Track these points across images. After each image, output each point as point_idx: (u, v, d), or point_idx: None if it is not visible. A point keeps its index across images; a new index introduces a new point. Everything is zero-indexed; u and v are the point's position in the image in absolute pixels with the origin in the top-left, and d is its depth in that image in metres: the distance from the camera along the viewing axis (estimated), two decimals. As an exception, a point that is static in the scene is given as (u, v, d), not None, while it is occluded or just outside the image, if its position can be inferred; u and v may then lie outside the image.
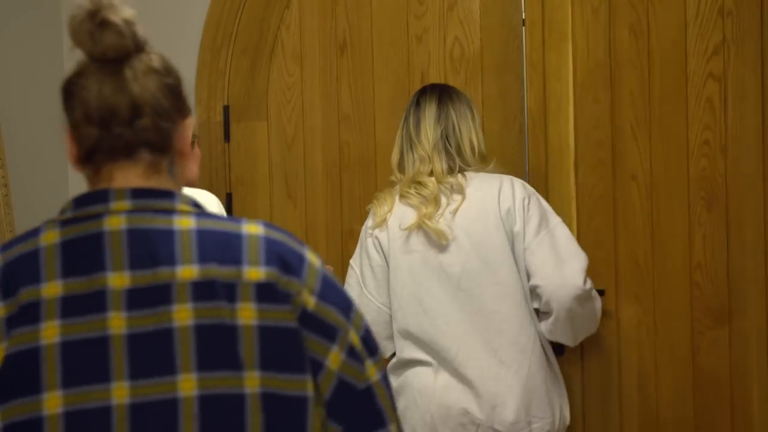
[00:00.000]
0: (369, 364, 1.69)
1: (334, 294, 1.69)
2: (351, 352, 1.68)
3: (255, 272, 1.63)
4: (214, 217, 1.70)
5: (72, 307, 1.59)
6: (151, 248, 1.61)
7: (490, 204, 3.31)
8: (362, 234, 3.46)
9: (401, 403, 3.34)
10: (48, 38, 4.28)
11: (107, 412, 1.56)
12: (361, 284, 3.42)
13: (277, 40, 4.25)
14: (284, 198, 4.27)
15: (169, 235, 1.62)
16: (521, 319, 3.27)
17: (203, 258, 1.61)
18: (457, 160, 3.38)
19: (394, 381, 3.34)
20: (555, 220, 3.34)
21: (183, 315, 1.59)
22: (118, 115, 1.65)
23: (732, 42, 3.72)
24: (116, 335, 1.58)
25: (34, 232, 1.65)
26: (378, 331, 3.36)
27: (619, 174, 3.81)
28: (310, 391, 1.63)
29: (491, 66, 3.99)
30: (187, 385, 1.58)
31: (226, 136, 4.29)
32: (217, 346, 1.60)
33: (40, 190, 4.22)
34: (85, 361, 1.57)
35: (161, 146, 1.68)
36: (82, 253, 1.61)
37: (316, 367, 1.65)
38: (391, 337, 3.41)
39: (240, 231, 1.67)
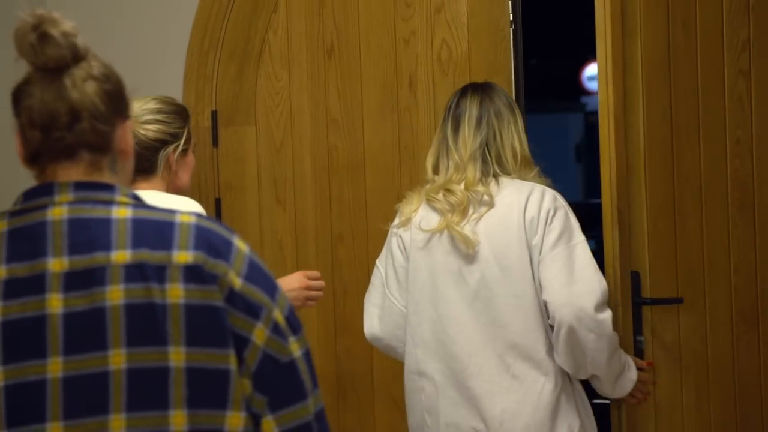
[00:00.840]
0: (292, 340, 1.84)
1: (259, 276, 1.84)
2: (275, 328, 1.82)
3: (184, 256, 1.79)
4: (151, 207, 1.85)
5: (14, 289, 1.75)
6: (89, 235, 1.77)
7: (516, 213, 3.17)
8: (389, 233, 3.35)
9: (411, 421, 3.27)
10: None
11: (43, 385, 1.72)
12: (384, 285, 3.31)
13: (265, 44, 4.25)
14: (273, 202, 4.28)
15: (106, 223, 1.78)
16: (537, 334, 3.13)
17: (136, 244, 1.77)
18: (495, 168, 3.23)
19: (413, 399, 3.26)
20: (578, 238, 3.14)
21: (115, 295, 1.74)
22: (58, 120, 1.80)
23: (755, 38, 3.65)
24: (53, 314, 1.74)
25: None
26: (399, 335, 3.29)
27: (677, 175, 3.63)
28: (232, 364, 1.78)
29: (479, 68, 3.97)
30: (117, 359, 1.73)
31: (215, 141, 4.30)
32: (145, 324, 1.75)
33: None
34: (24, 339, 1.74)
35: (100, 147, 1.83)
36: (26, 241, 1.78)
37: (243, 343, 1.79)
38: None
39: (173, 219, 1.82)
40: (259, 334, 1.80)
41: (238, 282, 1.80)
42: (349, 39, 4.18)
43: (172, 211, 1.85)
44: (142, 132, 2.94)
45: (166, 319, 1.76)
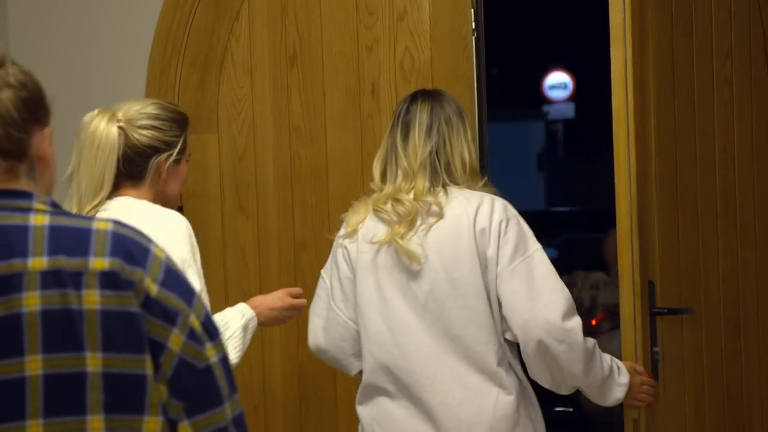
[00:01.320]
0: (209, 346, 1.84)
1: (176, 283, 1.84)
2: (191, 334, 1.83)
3: (100, 262, 1.79)
4: (69, 215, 1.88)
5: None
6: (7, 242, 1.78)
7: (466, 224, 3.09)
8: (334, 243, 3.28)
9: None
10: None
11: None
12: (329, 296, 3.23)
13: (227, 52, 4.25)
14: (236, 210, 4.28)
15: (24, 230, 1.79)
16: (489, 346, 3.06)
17: (53, 251, 1.77)
18: (444, 177, 3.15)
19: (364, 410, 3.21)
20: (534, 246, 3.07)
21: (32, 301, 1.75)
22: None
23: (736, 45, 3.67)
24: None
25: None
26: (344, 347, 3.23)
27: (680, 183, 3.62)
28: (148, 370, 1.79)
29: (442, 76, 3.97)
30: (33, 365, 1.74)
31: None
32: (62, 329, 1.76)
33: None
34: None
35: (16, 154, 1.83)
36: None
37: (159, 349, 1.80)
38: (358, 354, 3.21)
39: (90, 227, 1.83)
40: (175, 340, 1.81)
41: (154, 288, 1.81)
42: (311, 46, 4.18)
43: (89, 219, 1.86)
44: (136, 136, 2.90)
45: (82, 325, 1.77)
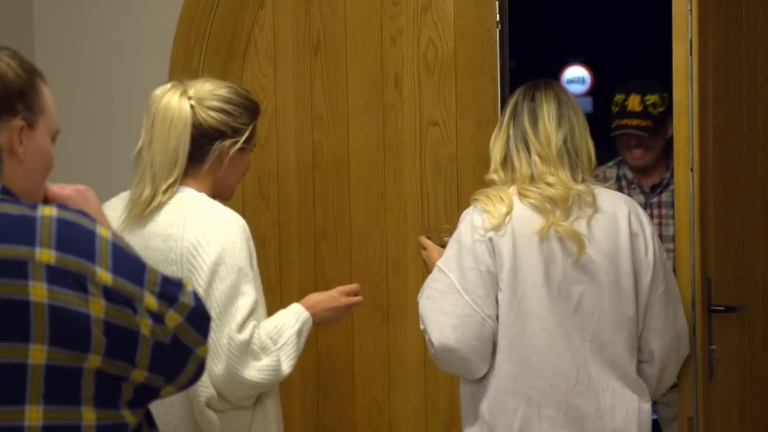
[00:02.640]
0: (169, 315, 1.91)
1: (126, 266, 1.87)
2: (153, 316, 1.89)
3: (47, 254, 1.81)
4: (14, 202, 1.88)
5: None
6: None
7: (623, 223, 2.96)
8: (467, 234, 2.94)
9: None
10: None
11: None
12: (458, 292, 2.91)
13: (251, 40, 4.24)
14: (257, 198, 4.27)
15: None
16: (631, 354, 2.97)
17: None
18: (578, 170, 3.00)
19: (499, 420, 2.94)
20: (668, 264, 3.05)
21: None
22: None
23: None
24: None
25: None
26: (476, 347, 2.91)
27: (732, 179, 3.60)
28: (89, 364, 1.82)
29: (465, 68, 3.94)
30: None
31: None
32: (7, 320, 1.78)
33: None
34: None
35: None
36: None
37: (133, 336, 1.86)
38: (488, 355, 2.94)
39: (35, 214, 1.84)
40: (145, 325, 1.87)
41: (108, 278, 1.84)
42: (335, 36, 4.16)
43: (34, 206, 1.87)
44: (204, 116, 2.79)
45: (29, 317, 1.79)
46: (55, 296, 1.80)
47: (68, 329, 1.82)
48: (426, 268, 3.18)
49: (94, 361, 1.83)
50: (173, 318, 1.92)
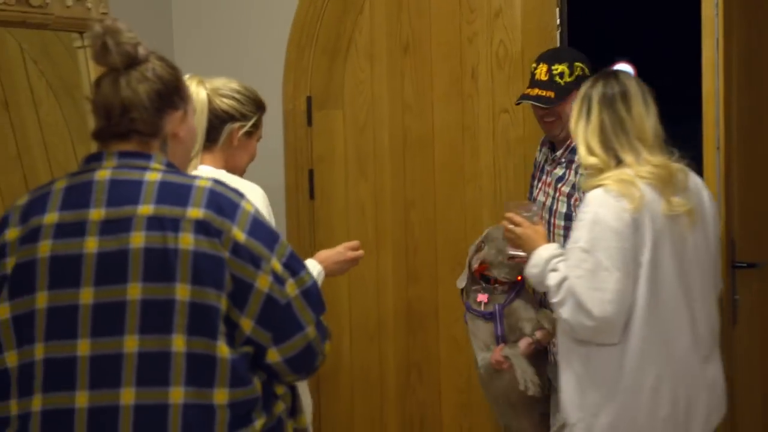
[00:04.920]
0: (290, 283, 2.00)
1: (261, 232, 1.99)
2: (275, 276, 1.98)
3: (196, 212, 1.94)
4: (178, 173, 2.03)
5: (62, 231, 1.96)
6: (123, 192, 1.97)
7: (706, 198, 2.97)
8: (609, 216, 2.82)
9: (662, 413, 2.86)
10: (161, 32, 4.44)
11: (76, 310, 1.93)
12: (608, 268, 2.80)
13: (352, 41, 4.35)
14: (357, 173, 4.38)
15: (138, 184, 1.98)
16: (717, 318, 3.00)
17: (159, 201, 1.95)
18: (665, 150, 2.95)
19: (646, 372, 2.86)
20: None
21: (137, 240, 1.93)
22: (113, 111, 2.01)
23: None
24: (89, 253, 1.93)
25: (53, 181, 2.06)
26: (623, 317, 2.83)
27: (761, 154, 3.65)
28: (223, 305, 1.94)
29: (530, 63, 3.73)
30: (134, 291, 1.91)
31: (309, 122, 4.42)
32: (159, 264, 1.92)
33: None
34: (65, 271, 1.94)
35: (149, 133, 2.03)
36: (76, 194, 1.99)
37: (246, 287, 1.95)
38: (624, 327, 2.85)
39: (192, 183, 1.99)
40: (263, 281, 1.96)
41: (242, 236, 1.95)
42: (422, 38, 4.26)
43: (193, 177, 2.01)
44: (217, 102, 2.85)
45: (176, 261, 1.91)
46: (198, 243, 1.91)
47: (207, 270, 1.92)
48: (514, 242, 3.10)
49: (224, 303, 1.93)
50: (292, 287, 2.00)
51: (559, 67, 3.47)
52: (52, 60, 3.70)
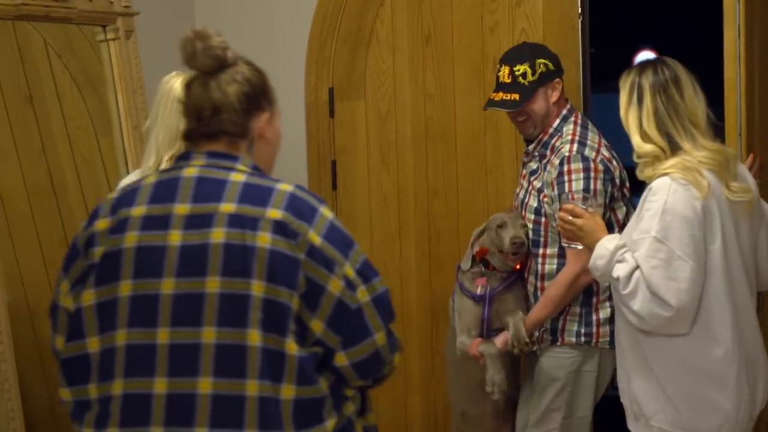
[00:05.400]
0: (361, 289, 2.05)
1: (337, 238, 2.05)
2: (347, 281, 2.04)
3: (275, 213, 2.01)
4: (262, 176, 2.10)
5: (149, 223, 2.04)
6: (208, 190, 2.05)
7: (752, 181, 2.97)
8: (679, 205, 2.79)
9: (729, 406, 2.85)
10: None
11: (157, 298, 2.00)
12: (681, 257, 2.77)
13: (373, 32, 4.38)
14: (379, 164, 4.42)
15: (223, 183, 2.05)
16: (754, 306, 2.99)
17: (241, 200, 2.03)
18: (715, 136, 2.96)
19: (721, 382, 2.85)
20: None
21: (218, 235, 2.00)
22: (204, 112, 2.09)
23: None
24: (172, 246, 2.01)
25: (143, 177, 2.17)
26: (691, 312, 2.80)
27: None
28: (295, 304, 2.00)
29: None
30: (212, 284, 1.98)
31: (331, 113, 4.46)
32: (237, 260, 1.99)
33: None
34: (149, 261, 2.02)
35: (237, 134, 2.11)
36: (164, 190, 2.07)
37: (318, 290, 2.01)
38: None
39: (274, 186, 2.06)
40: (335, 285, 2.01)
41: (318, 240, 2.01)
42: (443, 28, 4.28)
43: (275, 181, 2.08)
44: None
45: (253, 258, 1.98)
46: (274, 243, 1.98)
47: (281, 269, 1.98)
48: (573, 234, 3.02)
49: (296, 302, 1.99)
50: (363, 293, 2.04)
51: (520, 68, 3.45)
52: (76, 54, 3.74)
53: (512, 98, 3.42)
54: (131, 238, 2.03)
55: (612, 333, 3.31)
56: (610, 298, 3.26)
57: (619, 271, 2.83)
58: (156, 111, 2.89)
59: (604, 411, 3.63)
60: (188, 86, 2.12)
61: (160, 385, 1.98)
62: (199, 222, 2.01)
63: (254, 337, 1.97)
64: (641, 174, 2.92)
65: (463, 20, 4.28)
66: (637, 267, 2.80)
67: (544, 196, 3.38)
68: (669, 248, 2.77)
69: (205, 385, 1.97)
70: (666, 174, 2.82)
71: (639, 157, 2.91)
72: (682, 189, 2.78)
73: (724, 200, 2.83)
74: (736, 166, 2.92)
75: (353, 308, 2.03)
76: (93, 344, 2.04)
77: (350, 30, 4.40)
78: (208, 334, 1.97)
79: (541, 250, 3.41)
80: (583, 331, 3.38)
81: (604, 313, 3.38)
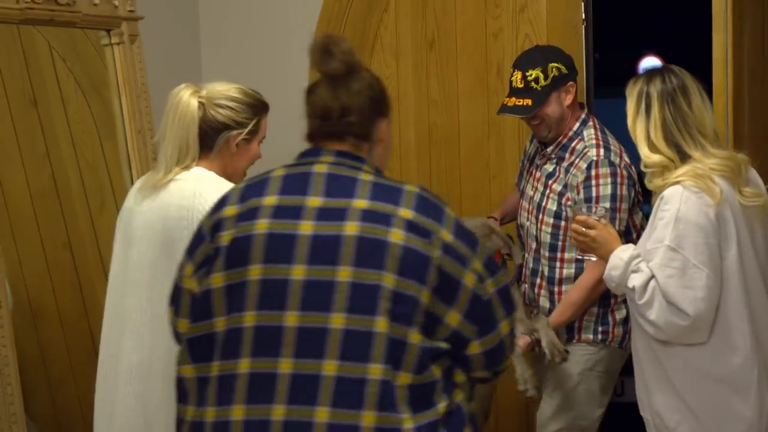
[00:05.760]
0: (489, 282, 2.15)
1: (464, 235, 2.15)
2: (478, 275, 2.13)
3: (406, 212, 2.10)
4: (387, 178, 2.19)
5: (281, 213, 2.13)
6: (340, 186, 2.14)
7: (761, 185, 2.95)
8: (693, 213, 2.78)
9: (748, 413, 2.84)
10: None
11: (287, 283, 2.08)
12: (696, 266, 2.76)
13: (377, 38, 4.39)
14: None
15: (353, 181, 2.15)
16: None
17: (373, 197, 2.12)
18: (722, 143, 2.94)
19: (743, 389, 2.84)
20: None
21: (351, 228, 2.08)
22: (331, 113, 2.20)
23: None
24: (304, 235, 2.10)
25: (270, 170, 2.23)
26: (708, 320, 2.79)
27: None
28: (425, 298, 2.07)
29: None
30: (344, 274, 2.06)
31: None
32: (370, 252, 2.08)
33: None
34: (279, 247, 2.10)
35: (362, 136, 2.21)
36: (295, 182, 2.17)
37: (454, 284, 2.10)
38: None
39: (403, 187, 2.15)
40: (469, 279, 2.11)
41: (450, 237, 2.10)
42: (447, 34, 4.30)
43: (402, 182, 2.17)
44: (212, 113, 2.82)
45: (386, 252, 2.06)
46: (408, 240, 2.06)
47: (413, 264, 2.06)
48: (586, 245, 2.97)
49: (426, 296, 2.06)
50: (490, 285, 2.14)
51: (533, 73, 3.46)
52: (80, 58, 3.74)
53: (525, 103, 3.45)
54: (262, 225, 2.11)
55: (624, 334, 3.40)
56: (625, 300, 3.23)
57: (635, 281, 2.81)
58: (165, 124, 2.86)
59: (609, 417, 3.62)
60: (312, 88, 2.22)
61: (285, 365, 2.05)
62: (331, 214, 2.10)
63: (382, 324, 2.04)
64: (650, 184, 2.91)
65: (467, 26, 4.29)
66: (653, 276, 2.78)
67: (567, 199, 3.39)
68: (684, 257, 2.75)
69: (330, 367, 2.04)
70: (678, 182, 2.80)
71: (647, 167, 2.89)
72: (694, 197, 2.77)
73: (737, 206, 2.82)
74: (748, 171, 2.91)
75: (485, 299, 2.13)
76: (220, 324, 2.11)
77: (354, 35, 4.39)
78: (337, 320, 2.04)
79: (559, 254, 3.44)
80: (600, 329, 3.44)
81: (620, 314, 3.45)
